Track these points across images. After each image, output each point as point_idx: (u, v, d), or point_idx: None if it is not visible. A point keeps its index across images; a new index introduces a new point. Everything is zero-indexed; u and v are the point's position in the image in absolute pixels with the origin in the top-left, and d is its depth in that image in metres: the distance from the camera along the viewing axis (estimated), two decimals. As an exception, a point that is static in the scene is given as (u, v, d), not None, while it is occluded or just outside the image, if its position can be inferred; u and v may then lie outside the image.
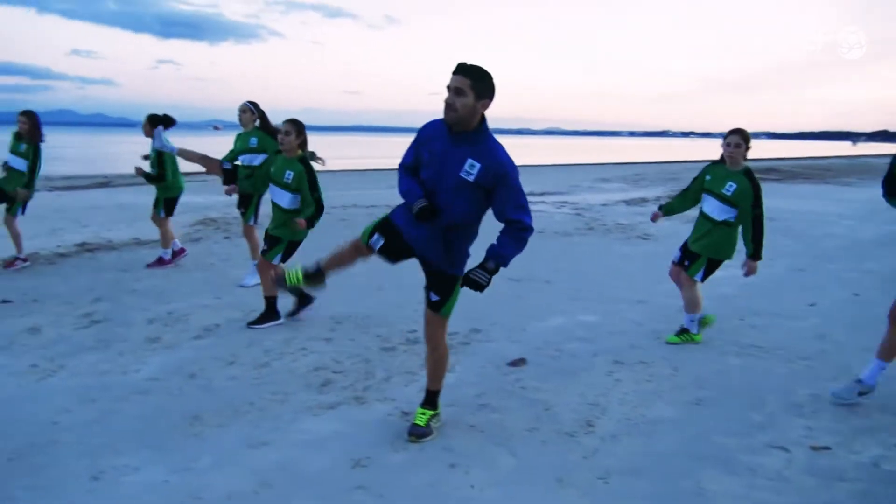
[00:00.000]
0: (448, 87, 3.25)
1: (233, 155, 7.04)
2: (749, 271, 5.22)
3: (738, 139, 5.14)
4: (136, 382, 4.43)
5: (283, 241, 5.65)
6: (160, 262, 7.84)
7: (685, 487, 3.26)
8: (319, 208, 5.54)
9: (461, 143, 3.33)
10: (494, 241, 3.44)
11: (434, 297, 3.65)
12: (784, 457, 3.57)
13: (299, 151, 5.57)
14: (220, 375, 4.57)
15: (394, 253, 3.61)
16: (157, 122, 7.57)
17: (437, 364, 3.80)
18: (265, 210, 6.62)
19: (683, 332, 5.44)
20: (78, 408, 4.02)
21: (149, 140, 7.60)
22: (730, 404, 4.24)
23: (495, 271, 3.41)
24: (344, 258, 3.72)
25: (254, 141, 6.98)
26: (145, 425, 3.81)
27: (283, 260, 5.70)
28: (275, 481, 3.25)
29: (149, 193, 7.97)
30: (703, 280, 5.36)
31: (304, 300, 5.86)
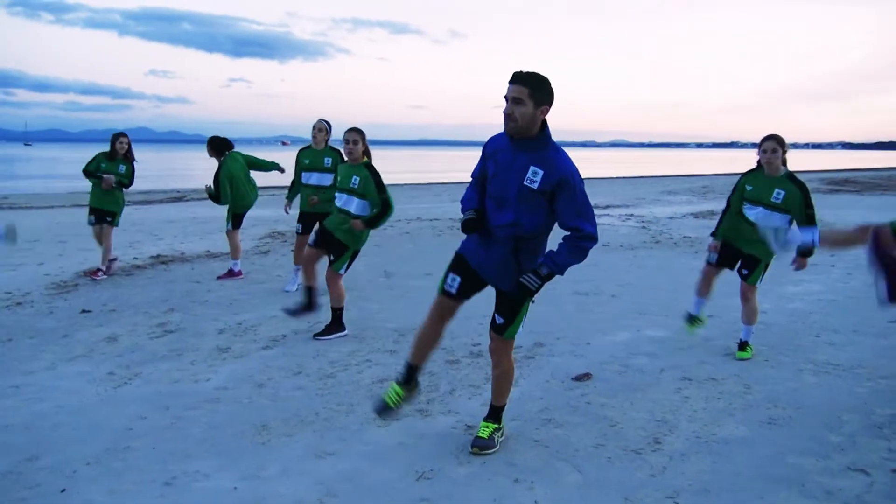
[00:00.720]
0: (506, 98, 3.25)
1: (296, 175, 7.18)
2: (799, 266, 5.10)
3: (773, 144, 5.01)
4: (207, 391, 4.55)
5: (349, 249, 5.72)
6: (230, 273, 8.05)
7: (758, 509, 3.15)
8: (387, 208, 5.60)
9: (523, 152, 3.32)
10: (556, 248, 3.41)
11: (500, 321, 3.63)
12: (864, 480, 3.41)
13: (365, 158, 5.68)
14: (286, 385, 4.66)
15: (473, 289, 3.66)
16: (218, 146, 7.93)
17: (501, 379, 3.78)
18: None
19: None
20: (152, 414, 4.15)
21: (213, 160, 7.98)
22: (805, 424, 4.09)
23: (548, 278, 3.37)
24: (428, 335, 3.74)
25: (328, 161, 7.10)
26: (215, 433, 3.91)
27: (347, 268, 5.79)
28: (340, 491, 3.28)
29: (221, 208, 8.20)
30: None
31: (310, 305, 5.80)
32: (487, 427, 3.74)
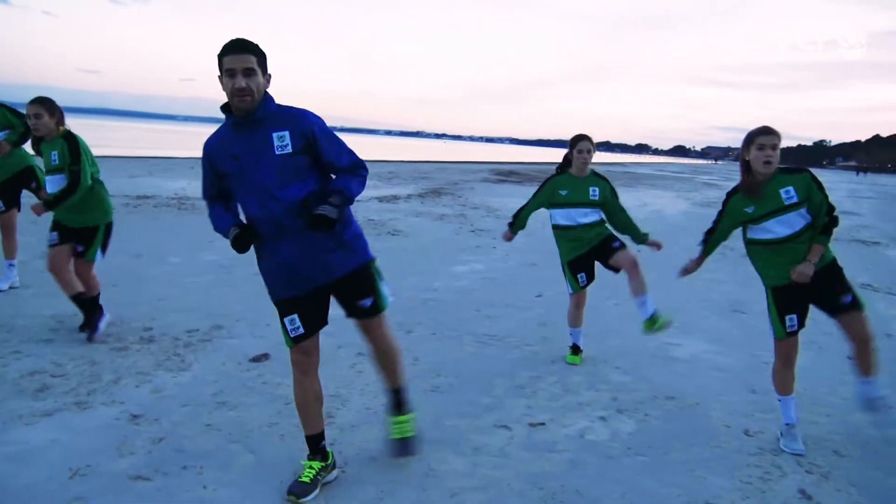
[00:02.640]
0: (232, 71, 2.87)
1: None
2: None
3: (589, 145, 5.01)
4: None
5: (99, 228, 5.07)
6: None
7: (417, 470, 3.42)
8: (74, 182, 4.86)
9: (255, 127, 2.99)
10: (334, 181, 3.12)
11: (366, 303, 3.22)
12: (506, 434, 3.89)
13: (60, 128, 4.96)
14: None
15: (319, 309, 3.22)
16: None
17: (389, 359, 3.45)
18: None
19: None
20: None
21: None
22: (463, 389, 4.53)
23: (341, 206, 2.99)
24: (305, 396, 3.26)
25: None
26: None
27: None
28: (-28, 501, 2.89)
29: None
30: None
31: (92, 316, 5.07)
32: (401, 422, 3.47)
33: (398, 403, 3.52)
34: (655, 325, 4.98)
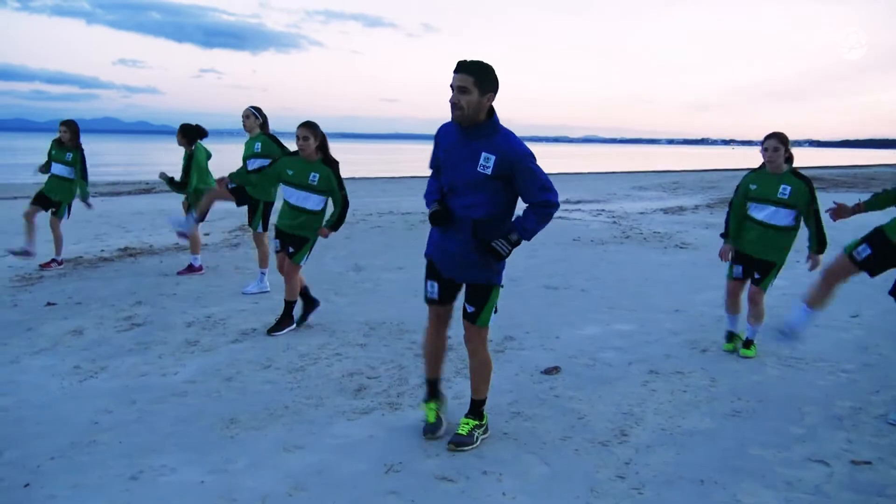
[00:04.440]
0: (452, 87, 3.30)
1: (243, 164, 7.09)
2: (814, 265, 5.07)
3: (775, 143, 5.05)
4: (175, 384, 4.51)
5: (310, 241, 5.70)
6: (190, 269, 7.94)
7: (720, 499, 3.20)
8: (346, 204, 5.66)
9: (473, 139, 3.38)
10: (520, 217, 3.50)
11: (470, 309, 3.66)
12: (824, 471, 3.50)
13: (320, 154, 5.60)
14: (255, 379, 4.64)
15: (455, 288, 3.73)
16: (190, 133, 7.75)
17: (478, 370, 3.79)
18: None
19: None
20: (118, 408, 4.11)
21: (181, 149, 7.79)
22: (768, 416, 4.17)
23: (517, 243, 3.48)
24: (432, 345, 3.88)
25: (258, 146, 6.99)
26: (183, 427, 3.88)
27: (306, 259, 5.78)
28: (308, 484, 3.28)
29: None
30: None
31: (310, 304, 5.94)
32: (468, 423, 3.74)
33: (473, 409, 3.80)
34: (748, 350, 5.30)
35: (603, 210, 15.78)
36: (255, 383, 4.56)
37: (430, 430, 3.76)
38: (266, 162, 6.67)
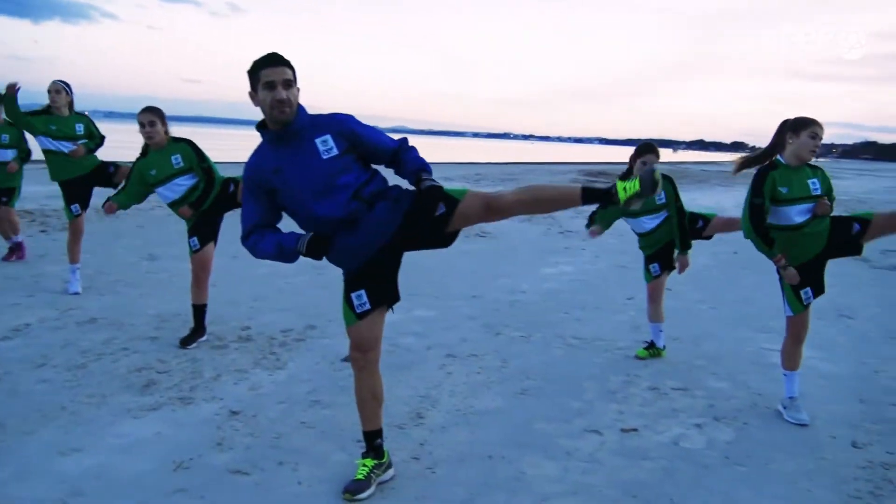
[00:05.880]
0: (272, 83, 2.91)
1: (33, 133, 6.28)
2: (682, 266, 5.13)
3: (653, 157, 4.95)
4: (-73, 389, 4.01)
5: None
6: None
7: (506, 472, 3.40)
8: (212, 179, 5.10)
9: (295, 138, 3.04)
10: (406, 162, 3.15)
11: (442, 208, 3.15)
12: (597, 439, 3.82)
13: (168, 136, 5.12)
14: (28, 379, 4.23)
15: (392, 288, 3.40)
16: None
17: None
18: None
19: (652, 346, 5.32)
20: None
21: None
22: (553, 393, 4.48)
23: (432, 178, 3.11)
24: (366, 401, 3.33)
25: (80, 128, 6.36)
26: (-64, 436, 3.46)
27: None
28: (87, 489, 3.06)
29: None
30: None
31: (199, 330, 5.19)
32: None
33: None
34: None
35: (409, 200, 16.05)
36: (27, 383, 4.17)
37: (351, 489, 3.15)
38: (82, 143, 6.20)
